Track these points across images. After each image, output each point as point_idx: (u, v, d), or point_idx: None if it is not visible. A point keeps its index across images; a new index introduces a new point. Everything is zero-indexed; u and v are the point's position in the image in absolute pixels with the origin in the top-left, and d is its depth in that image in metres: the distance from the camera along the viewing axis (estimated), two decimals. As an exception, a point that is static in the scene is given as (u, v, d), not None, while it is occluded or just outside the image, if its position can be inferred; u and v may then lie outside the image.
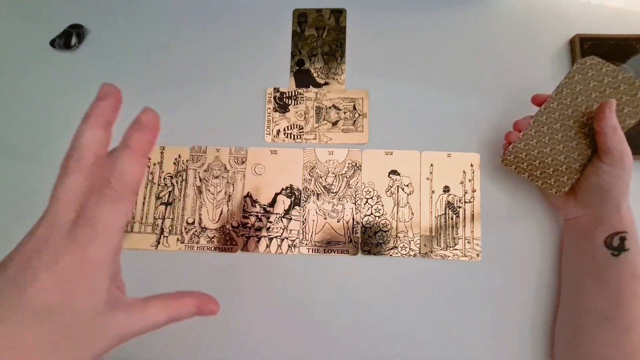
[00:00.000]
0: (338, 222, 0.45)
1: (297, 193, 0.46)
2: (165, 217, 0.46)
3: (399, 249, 0.44)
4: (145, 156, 0.22)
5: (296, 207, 0.46)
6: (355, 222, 0.45)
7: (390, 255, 0.44)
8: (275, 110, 0.48)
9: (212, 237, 0.46)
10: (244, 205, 0.46)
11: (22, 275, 0.19)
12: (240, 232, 0.46)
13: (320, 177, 0.46)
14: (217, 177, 0.47)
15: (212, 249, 0.45)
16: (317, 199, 0.46)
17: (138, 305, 0.22)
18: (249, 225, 0.46)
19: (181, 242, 0.46)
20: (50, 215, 0.20)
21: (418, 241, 0.44)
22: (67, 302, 0.19)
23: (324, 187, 0.46)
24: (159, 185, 0.47)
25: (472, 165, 0.45)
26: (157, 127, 0.22)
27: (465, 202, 0.45)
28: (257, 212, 0.46)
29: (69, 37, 0.50)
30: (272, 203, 0.46)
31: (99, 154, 0.22)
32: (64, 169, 0.21)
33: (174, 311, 0.23)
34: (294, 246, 0.45)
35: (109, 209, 0.20)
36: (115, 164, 0.21)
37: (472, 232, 0.44)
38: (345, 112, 0.48)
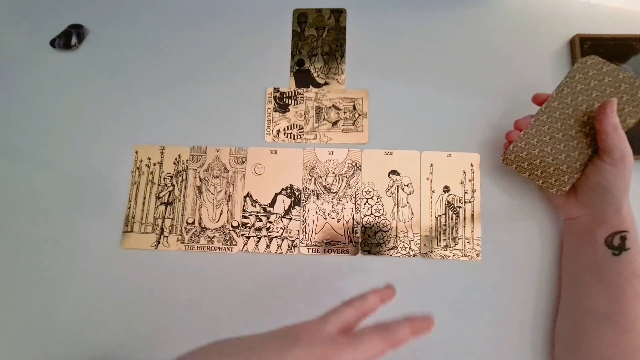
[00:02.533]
0: (338, 222, 0.45)
1: (297, 193, 0.46)
2: (165, 217, 0.46)
3: (399, 249, 0.44)
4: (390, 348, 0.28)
5: (296, 207, 0.46)
6: (355, 222, 0.45)
7: (390, 255, 0.44)
8: (275, 110, 0.48)
9: (212, 237, 0.46)
10: (244, 205, 0.46)
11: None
12: (240, 232, 0.46)
13: (320, 177, 0.46)
14: (217, 177, 0.47)
15: (212, 249, 0.45)
16: (317, 199, 0.46)
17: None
18: (249, 225, 0.46)
19: (181, 242, 0.46)
20: (321, 328, 0.27)
21: (418, 241, 0.44)
22: None
23: (324, 187, 0.46)
24: (159, 185, 0.47)
25: (472, 165, 0.45)
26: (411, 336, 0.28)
27: (465, 202, 0.45)
28: (257, 212, 0.46)
29: (69, 37, 0.50)
30: (272, 203, 0.46)
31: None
32: (348, 303, 0.29)
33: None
34: (294, 246, 0.45)
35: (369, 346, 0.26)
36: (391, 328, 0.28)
37: (472, 232, 0.44)
38: (345, 112, 0.48)
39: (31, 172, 0.48)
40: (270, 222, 0.46)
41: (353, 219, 0.45)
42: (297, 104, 0.48)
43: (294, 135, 0.48)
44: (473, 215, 0.44)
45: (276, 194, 0.46)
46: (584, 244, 0.38)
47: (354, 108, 0.48)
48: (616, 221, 0.36)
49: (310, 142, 0.47)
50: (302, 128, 0.48)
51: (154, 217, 0.46)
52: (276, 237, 0.45)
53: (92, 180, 0.48)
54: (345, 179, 0.46)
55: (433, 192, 0.45)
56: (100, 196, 0.47)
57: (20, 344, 0.45)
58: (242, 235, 0.45)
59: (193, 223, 0.46)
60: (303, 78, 0.49)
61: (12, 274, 0.46)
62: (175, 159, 0.48)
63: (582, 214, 0.39)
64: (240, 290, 0.44)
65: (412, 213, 0.45)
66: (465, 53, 0.48)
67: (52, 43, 0.51)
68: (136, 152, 0.48)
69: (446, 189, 0.45)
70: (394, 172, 0.46)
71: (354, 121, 0.48)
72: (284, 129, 0.48)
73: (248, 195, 0.46)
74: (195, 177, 0.47)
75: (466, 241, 0.44)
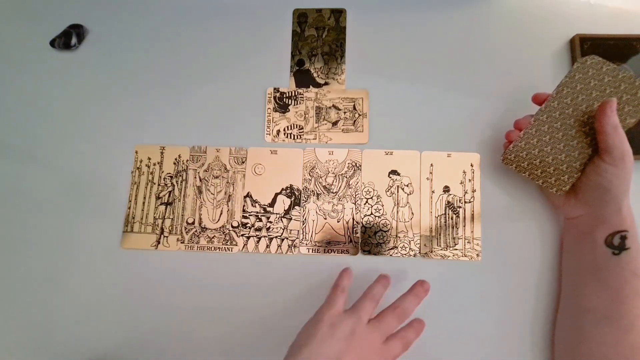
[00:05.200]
0: (338, 222, 0.45)
1: (297, 193, 0.46)
2: (165, 217, 0.46)
3: (399, 249, 0.44)
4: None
5: (296, 207, 0.46)
6: (355, 222, 0.45)
7: (390, 255, 0.44)
8: (275, 110, 0.48)
9: (212, 237, 0.46)
10: (244, 205, 0.46)
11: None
12: (240, 232, 0.46)
13: (320, 177, 0.46)
14: (217, 177, 0.47)
15: (212, 249, 0.45)
16: (317, 199, 0.46)
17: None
18: (249, 225, 0.46)
19: (181, 242, 0.46)
20: (377, 339, 0.35)
21: (418, 241, 0.44)
22: None
23: (324, 187, 0.46)
24: (159, 185, 0.47)
25: (472, 165, 0.45)
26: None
27: (465, 202, 0.45)
28: (257, 212, 0.46)
29: (69, 37, 0.50)
30: (272, 203, 0.46)
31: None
32: (370, 297, 0.38)
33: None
34: (294, 246, 0.45)
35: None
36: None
37: (472, 232, 0.44)
38: (345, 112, 0.48)
39: (31, 172, 0.48)
40: (270, 222, 0.46)
41: (353, 219, 0.45)
42: (297, 104, 0.48)
43: (294, 135, 0.48)
44: (473, 215, 0.44)
45: (276, 194, 0.46)
46: (583, 243, 0.38)
47: (354, 108, 0.48)
48: (616, 221, 0.36)
49: (310, 142, 0.47)
50: (302, 128, 0.48)
51: (154, 217, 0.46)
52: (276, 237, 0.45)
53: (92, 180, 0.48)
54: (345, 179, 0.46)
55: (433, 192, 0.45)
56: (100, 196, 0.47)
57: (20, 344, 0.45)
58: (242, 235, 0.45)
59: (193, 223, 0.46)
60: (303, 78, 0.49)
61: (12, 274, 0.46)
62: (175, 159, 0.48)
63: (582, 213, 0.39)
64: (240, 290, 0.44)
65: (412, 213, 0.45)
66: (465, 53, 0.48)
67: (52, 43, 0.51)
68: (136, 152, 0.48)
69: (446, 189, 0.45)
70: (394, 172, 0.46)
71: (354, 121, 0.48)
72: (284, 129, 0.48)
73: (248, 195, 0.46)
74: (195, 177, 0.47)
75: (466, 241, 0.44)
